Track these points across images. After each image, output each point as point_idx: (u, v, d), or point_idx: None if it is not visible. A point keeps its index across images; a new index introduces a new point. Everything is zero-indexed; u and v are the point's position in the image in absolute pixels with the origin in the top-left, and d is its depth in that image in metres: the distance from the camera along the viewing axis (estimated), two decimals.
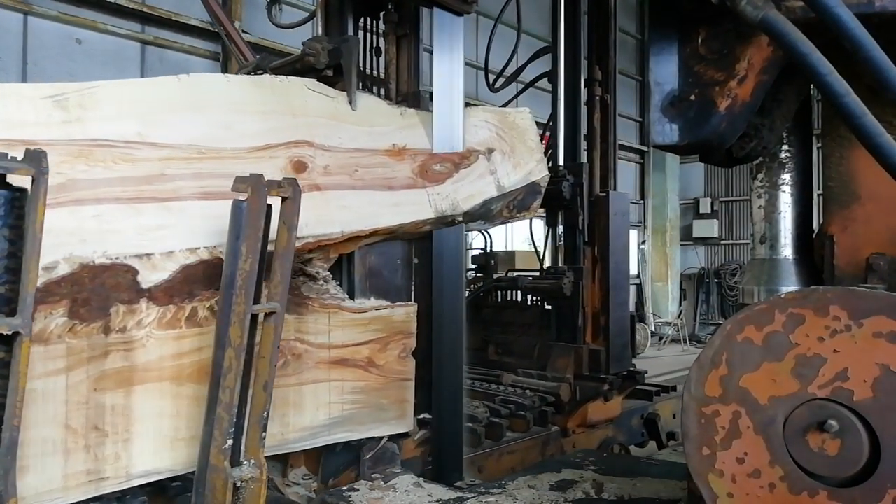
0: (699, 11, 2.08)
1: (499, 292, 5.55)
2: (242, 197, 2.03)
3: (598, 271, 4.64)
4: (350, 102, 2.82)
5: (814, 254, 2.53)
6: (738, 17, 1.89)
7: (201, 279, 2.28)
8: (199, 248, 2.28)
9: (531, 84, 5.46)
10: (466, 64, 5.13)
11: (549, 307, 4.90)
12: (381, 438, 2.87)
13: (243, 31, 8.91)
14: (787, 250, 2.62)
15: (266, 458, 2.24)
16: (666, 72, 2.21)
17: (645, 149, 17.80)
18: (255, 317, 2.07)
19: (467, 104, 3.26)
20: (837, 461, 1.59)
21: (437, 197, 2.96)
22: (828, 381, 1.60)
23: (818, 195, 2.59)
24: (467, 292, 5.69)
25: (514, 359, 5.01)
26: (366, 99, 2.91)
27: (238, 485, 2.05)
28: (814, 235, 2.59)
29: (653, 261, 17.93)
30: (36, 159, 1.65)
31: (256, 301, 2.08)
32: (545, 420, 4.06)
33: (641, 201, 18.14)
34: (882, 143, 1.69)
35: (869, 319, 1.56)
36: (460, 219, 3.00)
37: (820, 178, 2.44)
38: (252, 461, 2.10)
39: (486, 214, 3.15)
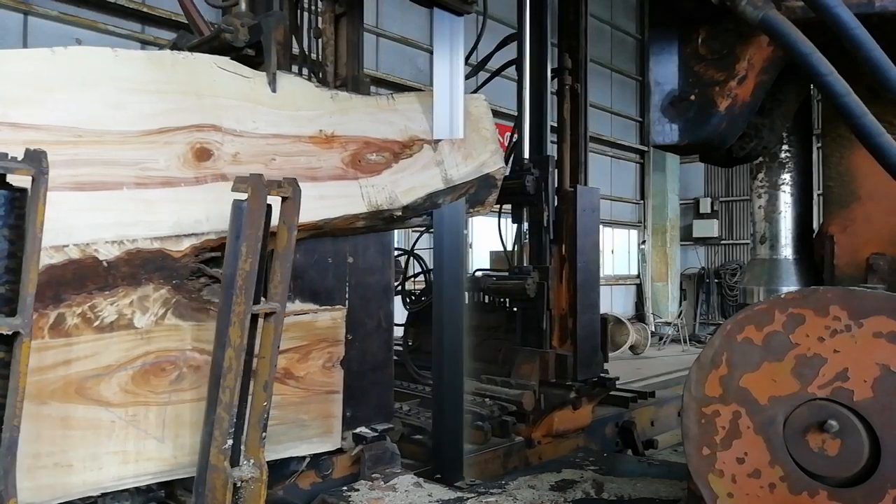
0: (699, 11, 2.08)
1: (464, 294, 5.31)
2: (242, 197, 2.03)
3: (565, 271, 4.37)
4: (269, 83, 2.52)
5: (814, 254, 2.53)
6: (739, 16, 1.89)
7: (71, 281, 2.02)
8: (67, 246, 2.02)
9: (497, 73, 5.21)
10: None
11: (516, 309, 4.63)
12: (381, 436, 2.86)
13: None
14: (787, 250, 2.62)
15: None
16: (666, 72, 2.21)
17: (645, 149, 17.82)
18: (254, 317, 2.07)
19: (416, 89, 3.12)
20: (837, 461, 1.59)
21: (371, 189, 2.68)
22: (828, 381, 1.61)
23: (818, 195, 2.59)
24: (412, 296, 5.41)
25: (480, 364, 4.72)
26: (290, 80, 2.61)
27: (238, 485, 2.05)
28: (814, 235, 2.59)
29: (653, 261, 17.93)
30: (36, 159, 1.65)
31: (256, 301, 2.07)
32: (506, 430, 3.81)
33: (641, 201, 18.15)
34: (882, 142, 1.69)
35: (869, 319, 1.56)
36: (399, 213, 2.76)
37: (820, 178, 2.44)
38: (252, 461, 2.10)
39: (431, 209, 2.94)
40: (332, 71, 2.99)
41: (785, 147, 2.62)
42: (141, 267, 2.14)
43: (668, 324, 16.75)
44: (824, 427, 1.59)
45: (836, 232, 2.26)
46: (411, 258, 5.63)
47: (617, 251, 17.77)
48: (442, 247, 3.22)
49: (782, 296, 1.75)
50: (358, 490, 2.65)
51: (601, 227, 17.12)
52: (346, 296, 2.80)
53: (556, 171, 4.49)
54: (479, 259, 10.37)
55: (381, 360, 2.94)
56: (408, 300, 5.39)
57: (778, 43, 1.87)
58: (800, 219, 2.63)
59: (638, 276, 18.05)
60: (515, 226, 4.72)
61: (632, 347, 13.82)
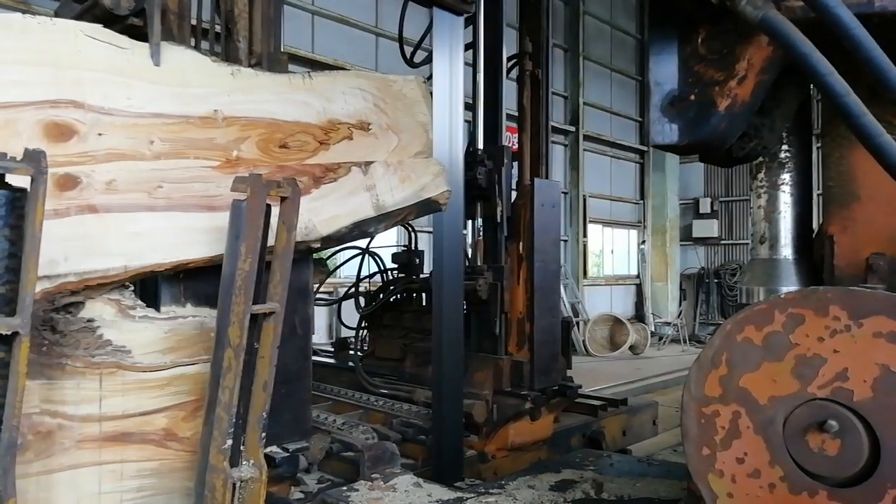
0: (699, 11, 2.08)
1: (423, 294, 4.91)
2: (241, 197, 2.03)
3: (523, 271, 4.04)
4: (152, 55, 2.16)
5: (814, 254, 2.53)
6: (738, 16, 1.89)
7: None
8: None
9: None
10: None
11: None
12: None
13: None
14: (786, 250, 2.62)
15: None
16: (666, 72, 2.21)
17: (645, 149, 17.82)
18: (254, 317, 2.07)
19: (340, 68, 2.76)
20: (837, 461, 1.59)
21: None
22: (828, 381, 1.60)
23: (818, 195, 2.59)
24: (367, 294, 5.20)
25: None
26: (179, 53, 2.25)
27: (238, 485, 2.05)
28: (813, 235, 2.59)
29: (652, 261, 17.94)
30: (35, 159, 1.65)
31: (256, 301, 2.07)
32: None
33: (641, 201, 18.16)
34: (882, 142, 1.69)
35: (869, 319, 1.56)
36: (317, 245, 2.45)
37: (820, 178, 2.44)
38: (252, 461, 2.10)
39: (359, 236, 2.64)
40: (244, 48, 2.65)
41: (785, 147, 2.62)
42: None
43: (668, 324, 16.76)
44: (824, 427, 1.59)
45: (835, 232, 2.26)
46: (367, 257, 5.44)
47: (617, 251, 17.79)
48: (442, 247, 3.21)
49: (782, 296, 1.75)
50: (358, 490, 2.65)
51: (601, 227, 17.18)
52: None
53: (512, 163, 4.17)
54: None
55: (296, 370, 2.59)
56: (360, 302, 5.19)
57: (778, 43, 1.87)
58: (799, 219, 2.63)
59: (638, 276, 18.06)
60: (470, 221, 4.38)
61: (631, 347, 13.84)
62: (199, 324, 2.23)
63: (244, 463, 2.09)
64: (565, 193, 15.65)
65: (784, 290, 2.51)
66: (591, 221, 16.16)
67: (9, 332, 1.63)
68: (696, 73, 2.16)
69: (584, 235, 15.79)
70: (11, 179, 1.70)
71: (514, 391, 3.90)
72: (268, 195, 2.06)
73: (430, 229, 4.55)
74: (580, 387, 4.37)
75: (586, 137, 15.93)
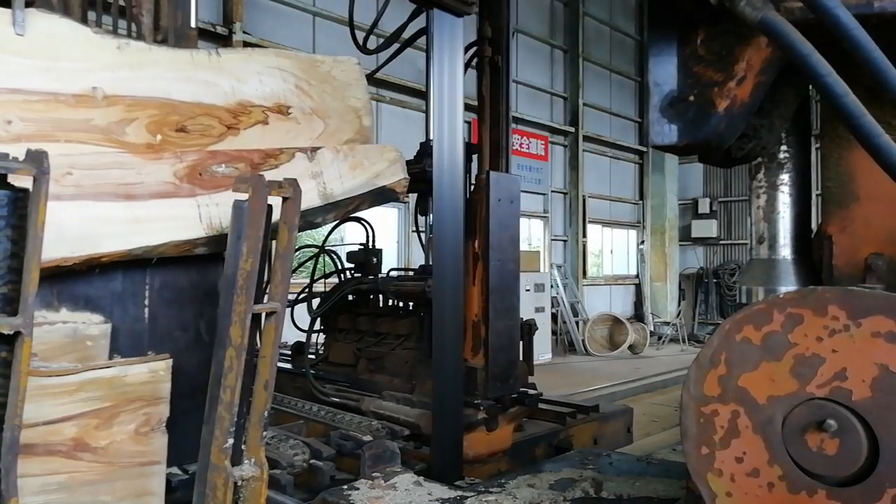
0: (698, 12, 2.09)
1: (380, 296, 4.70)
2: (243, 197, 2.04)
3: (478, 271, 3.78)
4: (14, 24, 1.92)
5: (812, 254, 2.54)
6: (737, 17, 1.90)
7: None
8: None
9: (408, 44, 4.54)
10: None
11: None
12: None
13: (244, 33, 8.93)
14: (785, 250, 2.63)
15: None
16: (665, 73, 2.22)
17: (644, 149, 17.84)
18: (256, 316, 2.08)
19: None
20: (836, 460, 1.60)
21: (214, 209, 2.16)
22: (826, 381, 1.61)
23: (817, 195, 2.60)
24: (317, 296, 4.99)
25: (387, 377, 4.22)
26: (49, 21, 1.99)
27: (239, 484, 2.05)
28: (812, 235, 2.60)
29: (652, 261, 17.96)
30: (37, 159, 1.66)
31: (257, 301, 2.08)
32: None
33: (640, 202, 18.18)
34: (881, 143, 1.70)
35: (867, 319, 1.57)
36: None
37: (818, 178, 2.44)
38: (253, 460, 2.10)
39: (304, 227, 2.45)
40: (149, 23, 2.39)
41: (783, 147, 2.63)
42: None
43: (667, 323, 16.77)
44: (823, 426, 1.59)
45: (834, 232, 2.27)
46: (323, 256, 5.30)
47: (616, 251, 17.81)
48: (443, 243, 3.19)
49: (781, 296, 1.75)
50: (358, 489, 2.66)
51: (601, 227, 17.19)
52: (146, 301, 2.20)
53: (471, 155, 3.95)
54: None
55: (202, 382, 2.16)
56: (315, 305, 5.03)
57: (777, 44, 1.87)
58: (798, 219, 2.64)
59: (637, 276, 18.07)
60: (423, 217, 4.19)
61: (631, 347, 13.85)
62: (71, 331, 2.00)
63: (245, 462, 2.10)
64: (565, 194, 15.65)
65: (783, 289, 2.52)
66: (590, 222, 16.17)
67: (11, 332, 1.64)
68: (696, 74, 2.17)
69: (584, 235, 15.81)
70: (13, 179, 1.71)
71: (467, 400, 3.63)
72: (269, 195, 2.07)
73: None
74: (541, 394, 4.15)
75: (586, 138, 15.94)
